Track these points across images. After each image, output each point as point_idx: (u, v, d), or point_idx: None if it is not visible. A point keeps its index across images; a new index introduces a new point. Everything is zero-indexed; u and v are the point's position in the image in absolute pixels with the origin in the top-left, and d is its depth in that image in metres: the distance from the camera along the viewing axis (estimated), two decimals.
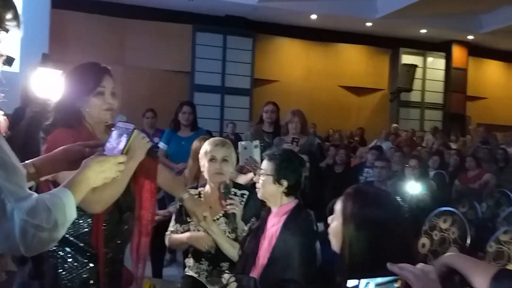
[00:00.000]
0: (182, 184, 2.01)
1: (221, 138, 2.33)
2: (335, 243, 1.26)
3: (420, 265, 0.91)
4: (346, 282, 0.80)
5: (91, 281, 1.54)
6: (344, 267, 1.12)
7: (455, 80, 11.63)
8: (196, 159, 2.52)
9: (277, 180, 1.77)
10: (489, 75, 12.66)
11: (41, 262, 1.53)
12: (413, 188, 3.22)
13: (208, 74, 9.75)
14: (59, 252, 1.51)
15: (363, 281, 0.81)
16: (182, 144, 3.68)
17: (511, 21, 9.46)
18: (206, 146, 2.12)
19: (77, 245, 1.52)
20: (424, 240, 2.73)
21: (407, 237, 1.20)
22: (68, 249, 1.51)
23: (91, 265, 1.54)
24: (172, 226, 2.19)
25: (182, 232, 2.14)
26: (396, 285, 0.85)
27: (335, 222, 1.27)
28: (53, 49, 6.44)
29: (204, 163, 2.11)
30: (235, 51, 9.96)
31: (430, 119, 11.58)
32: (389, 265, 0.87)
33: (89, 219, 1.53)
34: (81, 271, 1.51)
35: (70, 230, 1.48)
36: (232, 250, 1.94)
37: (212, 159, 2.07)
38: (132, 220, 1.70)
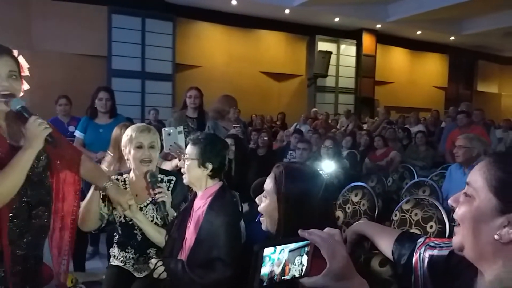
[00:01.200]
0: (104, 173, 1.95)
1: (144, 124, 2.28)
2: (269, 221, 1.32)
3: (327, 229, 0.97)
4: (263, 250, 0.83)
5: None
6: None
7: (365, 66, 12.46)
8: (118, 147, 2.46)
9: (202, 163, 1.79)
10: (395, 61, 13.74)
11: None
12: (328, 166, 3.45)
13: (126, 58, 9.34)
14: None
15: (279, 248, 0.85)
16: (100, 132, 3.54)
17: (415, 10, 10.31)
18: (130, 133, 2.06)
19: None
20: (338, 213, 2.96)
21: (329, 206, 1.32)
22: None
23: None
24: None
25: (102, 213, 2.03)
26: (307, 249, 0.90)
27: (266, 201, 1.33)
28: None
29: (129, 150, 2.05)
30: (155, 34, 9.64)
31: (343, 103, 12.32)
32: (300, 231, 0.92)
33: None
34: None
35: None
36: (158, 237, 1.93)
37: (138, 146, 2.02)
38: (46, 214, 1.62)
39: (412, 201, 2.49)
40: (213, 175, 1.83)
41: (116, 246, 2.12)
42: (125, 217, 2.01)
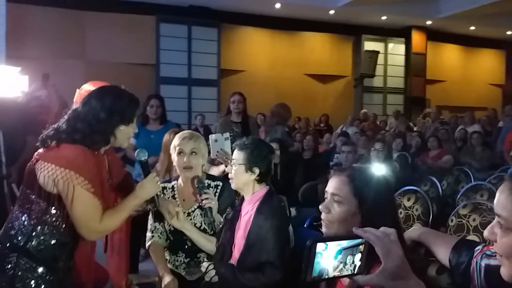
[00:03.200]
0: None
1: (189, 131, 2.31)
2: (342, 228, 1.18)
3: (382, 228, 0.94)
4: (316, 245, 0.83)
5: None
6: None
7: (415, 65, 12.03)
8: (167, 153, 2.53)
9: (249, 168, 1.81)
10: (446, 58, 13.16)
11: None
12: (379, 170, 3.35)
13: (174, 66, 9.64)
14: (18, 263, 1.49)
15: (331, 244, 0.84)
16: (151, 137, 3.65)
17: (468, 5, 9.84)
18: (175, 140, 2.12)
19: (37, 258, 1.51)
20: None
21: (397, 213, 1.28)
22: (27, 260, 1.50)
23: (52, 277, 1.53)
24: (150, 224, 2.18)
25: (161, 232, 2.14)
26: (360, 248, 0.89)
27: (342, 207, 1.18)
28: (10, 45, 6.17)
29: (173, 157, 2.10)
30: (201, 41, 9.88)
31: (392, 103, 11.95)
32: (354, 229, 0.90)
33: (56, 236, 1.53)
34: (39, 282, 1.50)
35: (33, 243, 1.50)
36: (208, 244, 1.96)
37: (180, 153, 2.06)
38: None
39: (469, 205, 2.37)
40: (260, 180, 1.84)
41: (167, 250, 2.17)
42: None
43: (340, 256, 0.86)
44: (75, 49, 8.79)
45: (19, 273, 1.48)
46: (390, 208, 1.21)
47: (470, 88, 13.39)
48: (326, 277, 0.85)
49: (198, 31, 9.84)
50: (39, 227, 1.50)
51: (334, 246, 0.85)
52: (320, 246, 0.83)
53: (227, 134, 2.96)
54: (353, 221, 1.15)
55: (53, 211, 1.50)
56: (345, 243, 0.87)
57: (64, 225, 1.53)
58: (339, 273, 0.87)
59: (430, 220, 2.70)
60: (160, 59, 9.59)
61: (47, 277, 1.51)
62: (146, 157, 1.77)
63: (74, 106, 1.62)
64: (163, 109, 3.77)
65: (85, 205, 1.49)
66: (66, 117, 1.58)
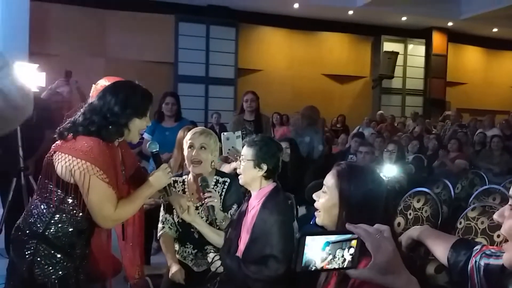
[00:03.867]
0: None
1: (202, 127, 2.38)
2: (326, 217, 1.32)
3: (376, 225, 0.96)
4: (305, 238, 0.87)
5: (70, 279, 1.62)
6: None
7: (435, 66, 11.84)
8: (181, 149, 2.60)
9: (258, 164, 1.85)
10: (468, 61, 12.90)
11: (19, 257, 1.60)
12: (389, 171, 3.35)
13: (191, 64, 9.75)
14: (37, 249, 1.57)
15: (321, 238, 0.88)
16: (166, 134, 3.73)
17: (491, 6, 9.64)
18: (187, 135, 2.19)
19: (55, 244, 1.59)
20: (399, 219, 2.86)
21: (390, 213, 1.31)
22: (45, 246, 1.58)
23: (69, 264, 1.61)
24: (162, 216, 2.25)
25: (171, 223, 2.21)
26: (351, 243, 0.91)
27: (326, 196, 1.33)
28: (33, 42, 6.36)
29: (185, 151, 2.17)
30: (219, 41, 9.96)
31: (411, 105, 11.80)
32: (347, 225, 0.93)
33: (73, 223, 1.61)
34: (57, 268, 1.58)
35: (51, 231, 1.58)
36: (217, 238, 2.00)
37: (190, 146, 2.12)
38: None
39: (478, 208, 2.34)
40: (267, 176, 1.88)
41: (176, 241, 2.24)
42: None
43: (328, 248, 0.89)
44: (96, 46, 8.99)
45: (38, 259, 1.56)
46: (377, 206, 1.24)
47: (491, 91, 13.10)
48: (314, 268, 0.89)
49: (216, 30, 9.93)
50: (57, 215, 1.58)
51: (322, 239, 0.89)
52: (309, 239, 0.87)
53: (239, 133, 3.01)
54: (335, 212, 1.28)
55: (70, 200, 1.58)
56: (333, 237, 0.90)
57: (80, 214, 1.60)
58: (328, 266, 0.90)
59: (439, 222, 2.68)
60: (178, 58, 9.72)
61: (65, 263, 1.60)
62: (157, 149, 1.83)
63: (90, 100, 1.69)
64: (178, 106, 3.85)
65: (100, 194, 1.56)
66: (82, 110, 1.66)
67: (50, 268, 1.57)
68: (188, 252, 2.18)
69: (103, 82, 1.73)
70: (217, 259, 1.72)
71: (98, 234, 1.77)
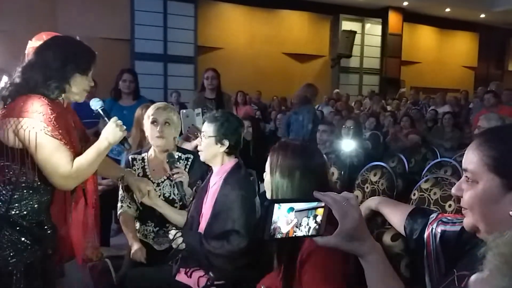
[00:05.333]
0: (116, 164, 2.05)
1: (164, 102, 2.34)
2: (268, 193, 1.38)
3: (343, 193, 0.98)
4: (273, 205, 0.88)
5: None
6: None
7: (391, 46, 12.15)
8: (139, 127, 2.53)
9: (219, 140, 1.83)
10: (422, 40, 13.32)
11: None
12: (347, 146, 3.43)
13: (149, 41, 9.43)
14: (1, 234, 1.45)
15: (286, 205, 0.90)
16: (124, 113, 3.59)
17: None
18: (149, 110, 2.14)
19: (22, 225, 1.48)
20: (357, 192, 2.95)
21: (324, 177, 1.33)
22: (11, 231, 1.46)
23: (36, 246, 1.51)
24: (120, 195, 2.20)
25: (129, 202, 2.17)
26: (316, 211, 0.93)
27: (267, 177, 1.38)
28: None
29: (147, 126, 2.12)
30: (177, 17, 9.67)
31: (368, 84, 12.09)
32: (314, 193, 0.94)
33: (36, 197, 1.50)
34: (24, 254, 1.47)
35: (15, 210, 1.46)
36: (179, 218, 1.99)
37: (153, 122, 2.08)
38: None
39: (431, 180, 2.45)
40: (229, 152, 1.87)
41: (137, 220, 2.20)
42: None
43: (291, 215, 0.90)
44: (46, 23, 8.44)
45: (4, 245, 1.44)
46: (311, 180, 1.29)
47: (444, 70, 13.67)
48: (280, 235, 0.90)
49: (174, 6, 9.62)
50: (17, 193, 1.46)
51: (286, 206, 0.90)
52: (276, 207, 0.88)
53: (199, 110, 2.96)
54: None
55: (26, 171, 1.45)
56: (299, 205, 0.91)
57: (42, 184, 1.49)
58: (294, 234, 0.91)
59: (394, 194, 2.79)
60: (135, 34, 9.36)
61: (32, 248, 1.49)
62: (103, 105, 1.71)
63: (27, 59, 1.56)
64: (136, 84, 3.71)
65: (52, 151, 1.43)
66: (19, 69, 1.52)
67: (16, 255, 1.45)
68: (149, 230, 2.15)
69: (39, 38, 1.62)
70: (179, 236, 1.71)
71: (58, 201, 1.63)
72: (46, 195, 1.53)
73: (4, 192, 1.46)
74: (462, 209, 0.96)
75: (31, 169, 1.45)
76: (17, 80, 1.49)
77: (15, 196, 1.46)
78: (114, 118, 1.62)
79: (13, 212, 1.46)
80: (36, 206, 1.50)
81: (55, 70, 1.49)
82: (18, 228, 1.46)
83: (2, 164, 1.45)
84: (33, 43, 1.62)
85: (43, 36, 1.62)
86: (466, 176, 0.93)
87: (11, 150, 1.42)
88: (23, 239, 1.47)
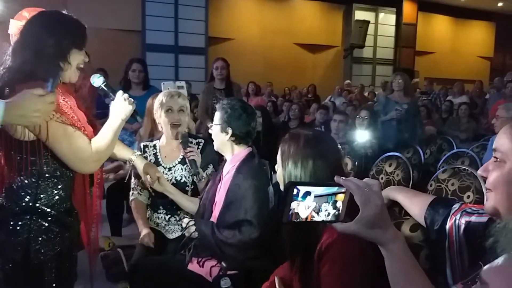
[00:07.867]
0: (127, 147, 1.99)
1: (176, 90, 2.33)
2: (281, 187, 1.34)
3: (366, 179, 0.94)
4: (293, 188, 0.85)
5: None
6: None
7: (405, 36, 11.95)
8: (151, 117, 2.50)
9: (224, 128, 1.80)
10: (437, 30, 13.08)
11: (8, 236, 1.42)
12: (361, 136, 3.37)
13: (160, 32, 9.40)
14: (32, 225, 1.41)
15: (307, 188, 0.86)
16: (134, 103, 3.59)
17: None
18: (161, 98, 2.14)
19: (51, 214, 1.44)
20: None
21: (339, 166, 1.27)
22: (41, 221, 1.42)
23: (66, 234, 1.48)
24: (132, 182, 2.21)
25: (141, 189, 2.18)
26: (336, 197, 0.89)
27: (279, 169, 1.33)
28: None
29: (160, 114, 2.12)
30: (188, 8, 9.60)
31: (381, 75, 11.92)
32: (336, 177, 0.90)
33: (60, 185, 1.46)
34: (54, 242, 1.44)
35: (43, 200, 1.43)
36: (190, 205, 1.97)
37: (168, 110, 2.10)
38: None
39: (449, 170, 2.39)
40: (236, 141, 1.82)
41: (149, 208, 2.19)
42: None
43: (309, 200, 0.86)
44: None
45: (34, 236, 1.41)
46: (321, 169, 1.24)
47: (459, 61, 13.40)
48: (299, 219, 0.87)
49: None
50: (42, 183, 1.43)
51: (309, 189, 0.86)
52: (296, 190, 0.85)
53: (182, 83, 2.91)
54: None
55: (44, 160, 1.40)
56: (320, 189, 0.87)
57: (62, 170, 1.45)
58: (312, 219, 0.87)
59: (410, 185, 2.73)
60: (146, 26, 9.33)
61: (61, 236, 1.46)
62: (105, 80, 1.58)
63: (12, 39, 1.47)
64: (145, 73, 3.70)
65: (67, 137, 1.37)
66: (8, 52, 1.40)
67: (47, 245, 1.42)
68: (161, 218, 2.14)
69: (24, 14, 1.54)
70: (192, 224, 1.69)
71: (78, 187, 1.56)
72: (69, 181, 1.49)
73: (28, 183, 1.41)
74: (486, 190, 0.97)
75: (50, 158, 1.41)
76: (9, 63, 1.38)
77: (41, 187, 1.43)
78: (119, 92, 1.53)
79: (40, 202, 1.43)
80: (62, 193, 1.47)
81: (50, 47, 1.38)
82: (47, 217, 1.44)
83: (18, 159, 1.39)
84: (18, 23, 1.50)
85: (25, 13, 1.51)
86: (495, 157, 0.94)
87: (23, 143, 1.36)
88: (52, 227, 1.44)
